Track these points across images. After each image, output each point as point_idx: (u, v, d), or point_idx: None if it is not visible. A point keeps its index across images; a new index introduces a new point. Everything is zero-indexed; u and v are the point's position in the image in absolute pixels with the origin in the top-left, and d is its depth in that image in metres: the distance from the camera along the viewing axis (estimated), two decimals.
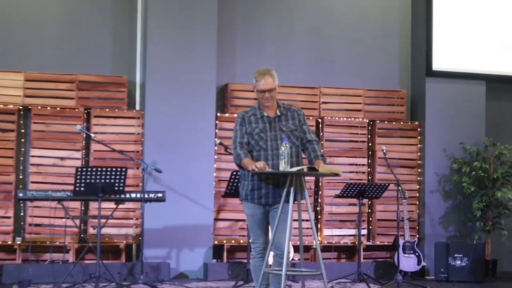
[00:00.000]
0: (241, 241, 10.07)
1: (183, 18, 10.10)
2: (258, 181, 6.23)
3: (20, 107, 9.77)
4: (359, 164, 10.77)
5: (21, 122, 9.79)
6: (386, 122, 10.95)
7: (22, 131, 9.81)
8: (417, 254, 9.96)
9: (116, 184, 8.23)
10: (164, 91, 9.98)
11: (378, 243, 10.69)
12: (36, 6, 10.17)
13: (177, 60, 10.02)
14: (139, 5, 10.38)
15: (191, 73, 10.04)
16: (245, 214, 6.40)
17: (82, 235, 9.57)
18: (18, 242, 9.45)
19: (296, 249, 9.39)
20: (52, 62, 10.09)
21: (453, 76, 11.06)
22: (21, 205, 9.66)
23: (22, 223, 9.68)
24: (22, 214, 9.69)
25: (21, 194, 8.71)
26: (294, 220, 6.91)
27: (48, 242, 9.37)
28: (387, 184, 9.61)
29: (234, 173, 8.94)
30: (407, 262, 9.93)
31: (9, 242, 9.48)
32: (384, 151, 9.74)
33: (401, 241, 9.90)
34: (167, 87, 9.99)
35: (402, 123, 11.04)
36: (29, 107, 9.79)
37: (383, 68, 11.32)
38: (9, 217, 9.52)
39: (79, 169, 8.23)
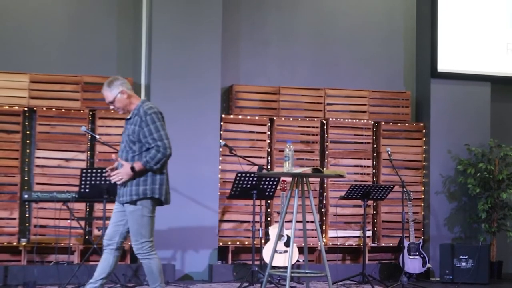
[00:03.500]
0: (246, 243, 10.07)
1: (188, 19, 10.11)
2: (163, 175, 6.33)
3: (26, 109, 9.79)
4: (364, 166, 10.76)
5: (26, 123, 9.80)
6: (391, 123, 10.94)
7: (27, 132, 9.82)
8: (422, 255, 9.94)
9: None
10: (169, 93, 9.99)
11: (383, 244, 10.68)
12: (41, 8, 10.19)
13: (182, 62, 10.03)
14: (143, 7, 10.39)
15: (195, 74, 10.04)
16: (145, 214, 6.20)
17: (87, 237, 9.58)
18: (23, 244, 9.47)
19: (301, 250, 9.40)
20: (57, 64, 10.11)
21: (458, 77, 11.05)
22: (26, 206, 9.67)
23: (27, 224, 9.69)
24: (27, 215, 9.71)
25: (26, 196, 8.73)
26: (299, 221, 6.93)
27: (53, 244, 9.39)
28: (392, 186, 9.61)
29: (239, 174, 8.94)
30: (412, 264, 9.92)
31: (14, 244, 9.50)
32: (389, 152, 9.73)
33: (406, 243, 9.89)
34: (172, 89, 10.00)
35: (407, 124, 11.03)
36: (34, 108, 9.81)
37: (388, 69, 11.31)
38: (14, 219, 9.53)
39: (84, 171, 8.24)
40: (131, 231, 6.23)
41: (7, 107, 9.66)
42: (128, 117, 6.39)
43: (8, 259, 9.56)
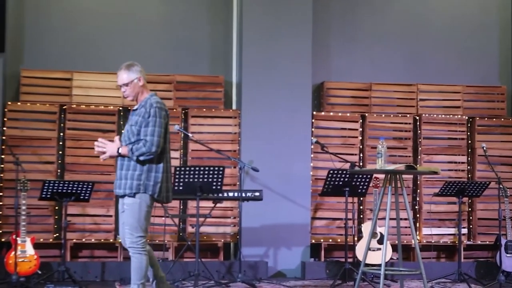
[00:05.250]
0: (339, 240, 10.03)
1: (278, 17, 10.13)
2: (158, 173, 6.30)
3: (120, 108, 9.99)
4: (459, 162, 10.57)
5: (121, 122, 9.99)
6: (486, 118, 10.72)
7: (122, 131, 9.99)
8: None
9: (214, 183, 8.32)
10: (260, 90, 10.03)
11: (479, 242, 10.47)
12: (133, 9, 10.37)
13: (272, 59, 10.06)
14: (234, 6, 10.47)
15: (286, 71, 10.05)
16: (143, 208, 6.22)
17: (181, 234, 9.71)
18: (120, 240, 9.65)
19: (394, 248, 9.30)
20: (150, 63, 10.22)
21: None
22: None
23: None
24: None
25: None
26: (392, 219, 6.86)
27: (148, 240, 9.51)
28: (487, 182, 9.41)
29: (331, 171, 8.91)
30: (510, 262, 9.69)
31: (111, 240, 9.70)
32: (484, 148, 9.53)
33: (503, 241, 9.67)
34: (263, 86, 10.04)
35: (502, 119, 10.78)
36: (129, 108, 9.97)
37: (482, 64, 11.09)
38: (110, 216, 9.74)
39: (178, 169, 8.34)
40: (127, 224, 6.23)
41: (102, 107, 9.87)
42: (135, 108, 6.44)
43: (105, 255, 9.78)
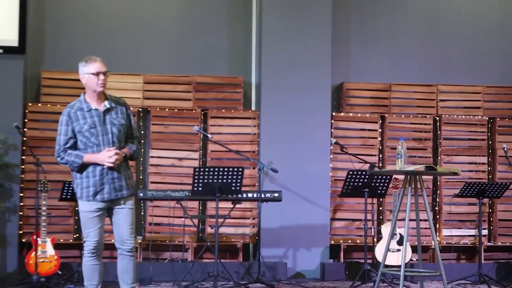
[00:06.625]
0: (358, 241, 10.01)
1: (297, 18, 10.12)
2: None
3: (140, 109, 10.02)
4: (479, 163, 10.52)
5: (141, 123, 10.03)
6: (506, 119, 10.65)
7: (142, 132, 10.04)
8: None
9: (233, 184, 8.32)
10: (280, 91, 10.03)
11: (499, 243, 10.41)
12: (153, 10, 10.40)
13: (292, 60, 10.05)
14: (254, 7, 10.47)
15: (306, 72, 10.05)
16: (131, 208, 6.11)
17: (200, 235, 9.73)
18: (139, 241, 9.68)
19: (414, 249, 9.27)
20: (169, 65, 10.30)
21: None
22: (141, 204, 9.89)
23: (142, 222, 9.91)
24: (142, 213, 9.92)
25: (141, 194, 8.92)
26: (412, 220, 6.84)
27: (167, 241, 9.57)
28: (508, 183, 9.35)
29: (351, 172, 8.88)
30: None
31: None
32: (505, 149, 9.49)
33: None
34: (282, 87, 10.04)
35: None
36: (148, 108, 10.03)
37: (503, 64, 11.01)
38: None
39: (197, 170, 8.35)
40: (130, 227, 6.06)
41: None
42: (112, 106, 6.15)
43: None
